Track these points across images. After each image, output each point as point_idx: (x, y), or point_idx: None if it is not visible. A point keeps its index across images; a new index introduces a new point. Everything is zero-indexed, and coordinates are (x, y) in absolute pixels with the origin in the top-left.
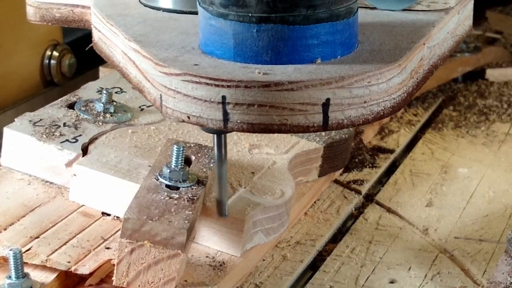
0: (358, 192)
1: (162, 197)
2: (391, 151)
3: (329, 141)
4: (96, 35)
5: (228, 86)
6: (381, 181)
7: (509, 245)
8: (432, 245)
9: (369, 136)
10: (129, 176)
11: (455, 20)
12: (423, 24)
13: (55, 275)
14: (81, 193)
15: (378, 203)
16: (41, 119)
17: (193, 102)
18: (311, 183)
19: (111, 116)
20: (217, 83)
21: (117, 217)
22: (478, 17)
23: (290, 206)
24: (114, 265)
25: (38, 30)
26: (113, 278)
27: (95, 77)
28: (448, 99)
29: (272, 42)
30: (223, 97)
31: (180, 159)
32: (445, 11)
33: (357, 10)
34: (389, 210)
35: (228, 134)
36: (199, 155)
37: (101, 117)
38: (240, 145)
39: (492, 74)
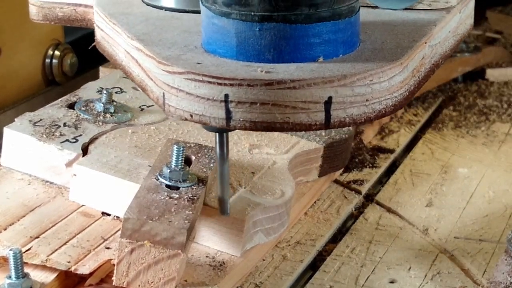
0: (358, 192)
1: (162, 197)
2: (391, 151)
3: (329, 141)
4: (98, 34)
5: (231, 85)
6: (381, 181)
7: (509, 245)
8: (432, 245)
9: (369, 136)
10: (129, 176)
11: (457, 19)
12: (424, 23)
13: (55, 275)
14: (81, 193)
15: (378, 203)
16: (41, 119)
17: (196, 101)
18: (311, 183)
19: (111, 116)
20: (219, 81)
21: (117, 217)
22: (478, 17)
23: (290, 206)
24: (114, 265)
25: (40, 30)
26: (113, 278)
27: (96, 77)
28: (448, 99)
29: (274, 41)
30: (226, 96)
31: (180, 159)
32: (447, 10)
33: (359, 9)
34: (389, 210)
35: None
36: (199, 155)
37: (101, 117)
38: (240, 145)
39: (492, 74)
